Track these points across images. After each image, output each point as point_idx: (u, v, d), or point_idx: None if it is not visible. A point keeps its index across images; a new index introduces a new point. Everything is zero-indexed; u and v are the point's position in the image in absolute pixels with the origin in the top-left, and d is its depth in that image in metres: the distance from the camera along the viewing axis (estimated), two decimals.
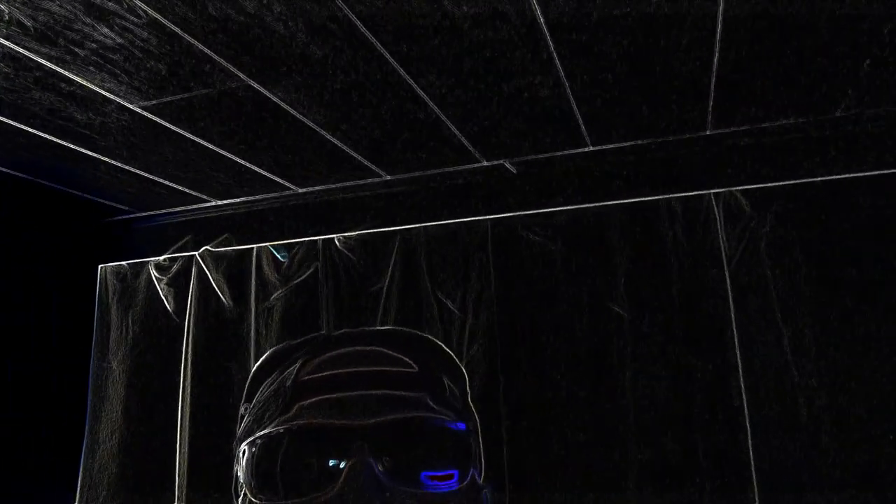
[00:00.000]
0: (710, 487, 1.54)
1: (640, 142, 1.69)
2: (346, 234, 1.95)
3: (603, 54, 1.29)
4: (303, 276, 1.98)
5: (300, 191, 1.99)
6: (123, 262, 2.18)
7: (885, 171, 1.49)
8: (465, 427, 0.55)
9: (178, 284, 2.11)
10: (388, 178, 1.89)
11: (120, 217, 2.24)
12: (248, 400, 0.60)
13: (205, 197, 2.04)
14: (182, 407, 2.00)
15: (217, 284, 2.06)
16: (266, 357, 0.62)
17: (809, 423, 1.48)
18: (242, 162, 1.75)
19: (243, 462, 0.54)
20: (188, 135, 1.58)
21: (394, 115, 1.52)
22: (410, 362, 0.57)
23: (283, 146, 1.67)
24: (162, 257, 2.13)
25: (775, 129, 1.61)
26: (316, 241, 1.98)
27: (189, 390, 2.00)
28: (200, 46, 1.20)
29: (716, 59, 1.31)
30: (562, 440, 1.66)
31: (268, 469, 0.51)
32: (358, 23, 1.16)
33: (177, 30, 1.15)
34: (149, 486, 1.98)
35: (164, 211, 2.17)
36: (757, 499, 1.48)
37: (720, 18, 1.18)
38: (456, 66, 1.32)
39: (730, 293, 1.62)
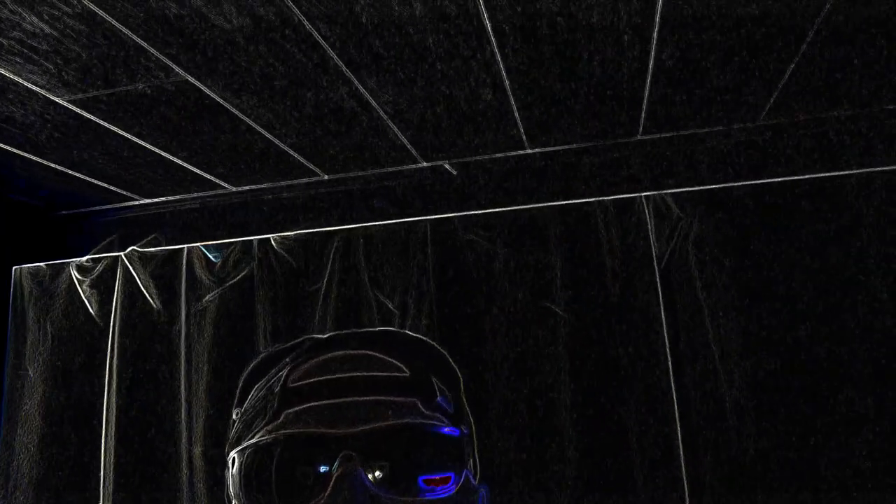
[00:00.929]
0: (640, 483, 1.60)
1: (576, 145, 1.74)
2: (283, 235, 1.91)
3: (542, 58, 1.32)
4: (237, 278, 1.93)
5: (234, 189, 1.94)
6: (41, 264, 2.07)
7: (806, 176, 1.59)
8: (457, 432, 0.54)
9: (101, 286, 2.02)
10: (327, 177, 1.87)
11: (38, 216, 2.12)
12: (240, 405, 0.59)
13: (132, 195, 1.96)
14: (107, 413, 1.91)
15: (145, 286, 1.98)
16: (256, 361, 0.61)
17: (735, 420, 1.56)
18: (174, 159, 1.70)
19: (233, 470, 0.53)
20: (118, 130, 1.52)
21: (334, 114, 1.51)
22: (402, 366, 0.55)
23: (219, 144, 1.63)
24: (84, 258, 2.03)
25: (704, 136, 1.69)
26: (251, 241, 1.93)
27: (114, 396, 1.92)
28: (136, 39, 1.16)
29: (651, 65, 1.37)
30: (499, 439, 1.69)
31: (257, 478, 0.50)
32: (304, 20, 1.14)
33: (113, 21, 1.10)
34: (70, 496, 1.88)
35: (87, 210, 2.06)
36: (686, 496, 1.55)
37: (656, 24, 1.23)
38: (399, 66, 1.32)
39: (660, 293, 1.69)
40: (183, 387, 1.91)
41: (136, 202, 2.01)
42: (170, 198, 1.99)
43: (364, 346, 0.57)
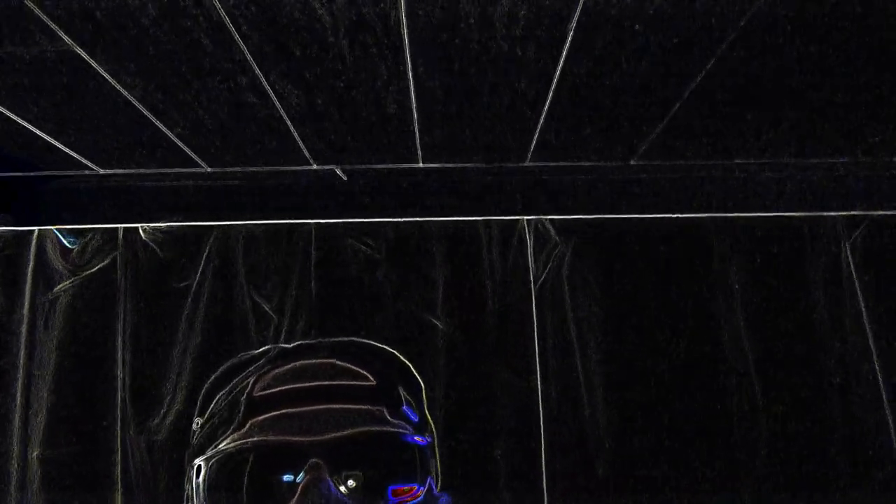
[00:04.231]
0: (505, 490, 1.67)
1: (467, 164, 1.80)
2: (154, 225, 1.79)
3: (451, 77, 1.36)
4: (96, 268, 1.78)
5: (102, 171, 1.79)
6: None
7: (670, 216, 1.75)
8: (422, 440, 0.55)
9: None
10: (209, 169, 1.78)
11: None
12: (201, 414, 0.58)
13: None
14: None
15: None
16: (220, 370, 0.59)
17: (594, 431, 1.68)
18: (38, 132, 1.54)
19: (197, 480, 0.51)
20: None
21: (230, 105, 1.45)
22: (367, 375, 0.56)
23: (92, 120, 1.50)
24: None
25: (586, 168, 1.81)
26: (116, 228, 1.79)
27: None
28: (28, 4, 1.05)
29: (549, 98, 1.45)
30: None
31: (222, 488, 0.50)
32: (218, 6, 1.09)
33: None
34: None
35: None
36: (545, 499, 1.64)
37: (561, 59, 1.31)
38: (307, 65, 1.30)
39: (534, 312, 1.78)
40: (21, 382, 1.72)
41: None
42: (25, 174, 1.80)
43: (330, 355, 0.58)
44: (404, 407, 0.57)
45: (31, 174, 1.81)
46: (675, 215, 1.73)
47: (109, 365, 1.75)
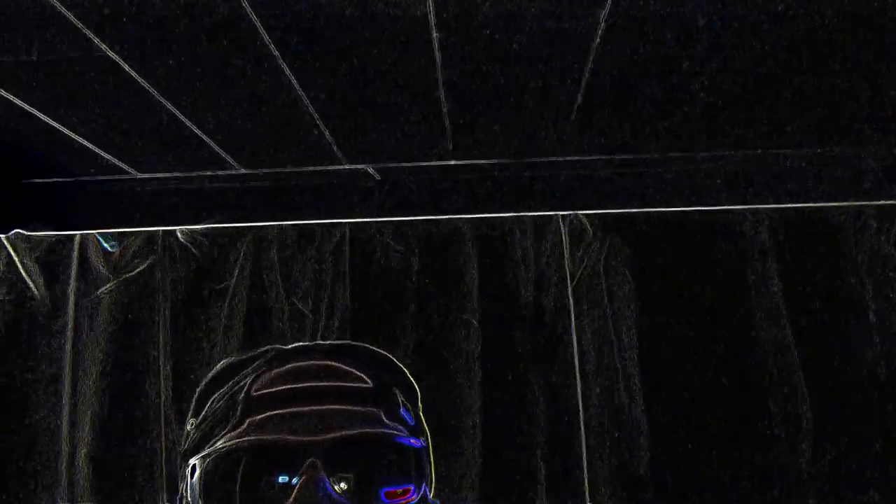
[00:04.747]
0: (545, 490, 1.64)
1: (501, 160, 1.78)
2: (191, 228, 1.81)
3: (487, 67, 1.34)
4: (136, 270, 1.81)
5: (140, 176, 1.82)
6: None
7: (709, 208, 1.70)
8: (418, 443, 0.55)
9: None
10: (244, 171, 1.80)
11: None
12: (196, 415, 0.57)
13: (22, 172, 1.80)
14: None
15: (28, 273, 1.82)
16: (215, 371, 0.59)
17: (635, 429, 1.64)
18: (75, 136, 1.57)
19: (192, 479, 0.51)
20: (15, 100, 1.39)
21: (261, 105, 1.46)
22: (364, 377, 0.56)
23: (127, 123, 1.52)
24: None
25: (621, 162, 1.77)
26: (155, 232, 1.82)
27: None
28: (57, 5, 1.06)
29: (581, 91, 1.42)
30: None
31: (217, 486, 0.49)
32: (247, 5, 1.10)
33: None
34: None
35: None
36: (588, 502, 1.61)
37: (592, 54, 1.28)
38: (337, 63, 1.29)
39: (571, 310, 1.75)
40: (67, 382, 1.76)
41: (27, 181, 1.85)
42: (64, 179, 1.84)
43: (327, 357, 0.58)
44: (401, 410, 0.57)
45: (72, 179, 1.85)
46: (713, 208, 1.68)
47: (151, 365, 1.77)
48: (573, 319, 1.74)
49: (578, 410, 1.68)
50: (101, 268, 1.82)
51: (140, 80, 1.32)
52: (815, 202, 1.75)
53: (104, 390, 1.74)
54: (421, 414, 0.62)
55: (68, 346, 1.78)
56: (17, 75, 1.28)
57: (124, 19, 1.12)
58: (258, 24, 1.15)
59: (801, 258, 1.70)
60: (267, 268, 1.80)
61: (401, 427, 0.55)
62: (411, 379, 0.64)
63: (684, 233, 1.73)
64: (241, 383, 0.55)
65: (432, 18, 1.16)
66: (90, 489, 1.70)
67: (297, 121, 1.52)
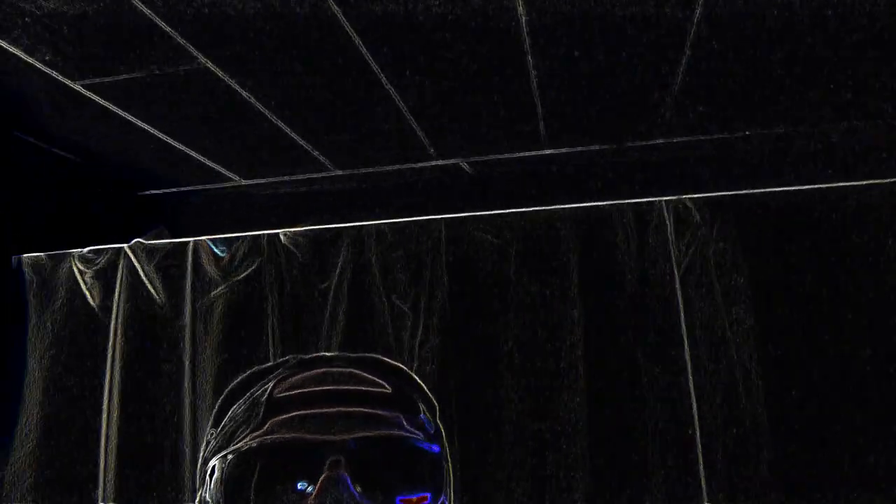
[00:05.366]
0: (659, 490, 1.57)
1: (596, 147, 1.71)
2: (293, 230, 1.87)
3: (577, 55, 1.29)
4: (245, 273, 1.89)
5: (244, 182, 1.89)
6: (41, 254, 2.01)
7: (824, 186, 1.56)
8: (438, 449, 0.55)
9: (104, 278, 1.96)
10: (340, 172, 1.83)
11: (45, 205, 2.06)
12: (216, 425, 0.58)
13: (138, 185, 1.91)
14: (109, 408, 1.86)
15: (149, 279, 1.93)
16: (237, 381, 0.60)
17: (753, 426, 1.54)
18: (183, 148, 1.65)
19: (211, 481, 0.52)
20: (128, 117, 1.47)
21: (352, 106, 1.47)
22: (384, 384, 0.57)
23: (229, 133, 1.58)
24: (86, 249, 1.98)
25: (725, 141, 1.66)
26: (260, 236, 1.89)
27: (116, 391, 1.87)
28: (159, 23, 1.11)
29: (682, 66, 1.34)
30: (515, 444, 1.65)
31: (239, 484, 0.50)
32: (337, 9, 1.10)
33: (132, 1, 1.06)
34: (69, 492, 1.83)
35: (93, 199, 2.01)
36: (705, 501, 1.52)
37: (693, 27, 1.20)
38: (422, 60, 1.28)
39: (679, 299, 1.66)
40: (187, 382, 1.86)
41: (142, 193, 1.96)
42: (176, 189, 1.95)
43: (349, 365, 0.59)
44: (421, 416, 0.58)
45: (184, 189, 1.95)
46: (834, 185, 1.53)
47: (261, 363, 1.84)
48: (682, 311, 1.65)
49: (692, 408, 1.59)
50: (212, 272, 1.91)
51: (241, 91, 1.36)
52: None
53: (220, 389, 1.83)
54: (440, 426, 0.62)
55: (187, 347, 1.88)
56: (130, 93, 1.36)
57: (218, 28, 1.15)
58: (349, 28, 1.16)
59: None
60: (366, 267, 1.82)
61: (421, 433, 0.55)
62: (430, 395, 0.64)
63: (803, 212, 1.60)
64: (264, 387, 0.56)
65: (522, 5, 1.12)
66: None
67: (390, 120, 1.52)
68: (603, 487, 1.61)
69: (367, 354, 0.64)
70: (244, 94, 1.37)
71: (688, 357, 1.62)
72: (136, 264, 1.94)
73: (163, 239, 1.95)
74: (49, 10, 1.05)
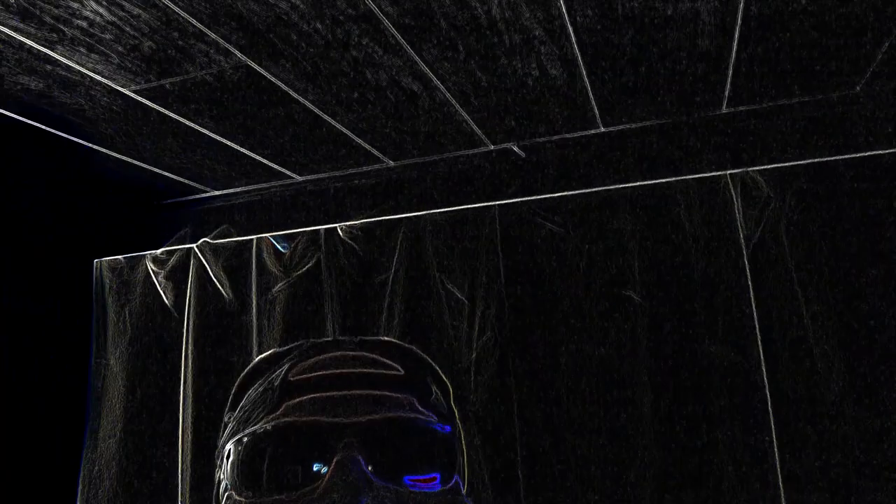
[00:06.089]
0: (730, 485, 1.49)
1: (652, 122, 1.63)
2: (349, 223, 1.89)
3: (616, 28, 1.23)
4: (305, 267, 1.92)
5: (300, 179, 1.92)
6: (119, 257, 2.12)
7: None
8: (450, 430, 0.55)
9: (175, 278, 2.05)
10: (392, 164, 1.83)
11: (114, 210, 2.17)
12: (233, 408, 0.60)
13: (202, 187, 1.98)
14: (184, 403, 1.94)
15: (217, 277, 2.00)
16: (252, 365, 0.61)
17: (831, 408, 1.43)
18: (239, 148, 1.69)
19: (227, 463, 0.52)
20: (184, 121, 1.52)
21: (398, 96, 1.46)
22: (397, 367, 0.57)
23: (282, 131, 1.61)
24: (159, 250, 2.07)
25: (792, 107, 1.55)
26: (318, 230, 1.92)
27: (191, 386, 1.95)
28: (195, 23, 1.14)
29: (736, 37, 1.25)
30: (576, 433, 1.61)
31: (254, 466, 0.50)
32: (376, 5, 1.09)
33: (170, 4, 1.08)
34: (150, 484, 1.92)
35: (162, 202, 2.10)
36: (782, 495, 1.43)
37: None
38: (463, 43, 1.25)
39: (749, 278, 1.57)
40: None
41: (206, 194, 2.03)
42: (238, 189, 2.00)
43: (361, 348, 0.59)
44: (433, 398, 0.58)
45: (245, 188, 2.01)
46: None
47: None
48: (752, 290, 1.56)
49: (765, 390, 1.50)
50: (275, 267, 1.96)
51: (285, 87, 1.38)
52: None
53: None
54: (454, 408, 0.62)
55: (254, 342, 1.93)
56: (187, 98, 1.40)
57: (256, 25, 1.17)
58: (378, 13, 1.15)
59: None
60: (422, 257, 1.82)
61: (433, 414, 0.55)
62: (445, 378, 0.64)
63: (883, 179, 1.47)
64: (279, 371, 0.57)
65: None
66: None
67: (437, 108, 1.51)
68: (671, 479, 1.54)
69: (380, 338, 0.65)
70: (286, 88, 1.39)
71: (759, 341, 1.53)
72: (205, 263, 2.01)
73: (227, 237, 2.02)
74: (97, 21, 1.09)
